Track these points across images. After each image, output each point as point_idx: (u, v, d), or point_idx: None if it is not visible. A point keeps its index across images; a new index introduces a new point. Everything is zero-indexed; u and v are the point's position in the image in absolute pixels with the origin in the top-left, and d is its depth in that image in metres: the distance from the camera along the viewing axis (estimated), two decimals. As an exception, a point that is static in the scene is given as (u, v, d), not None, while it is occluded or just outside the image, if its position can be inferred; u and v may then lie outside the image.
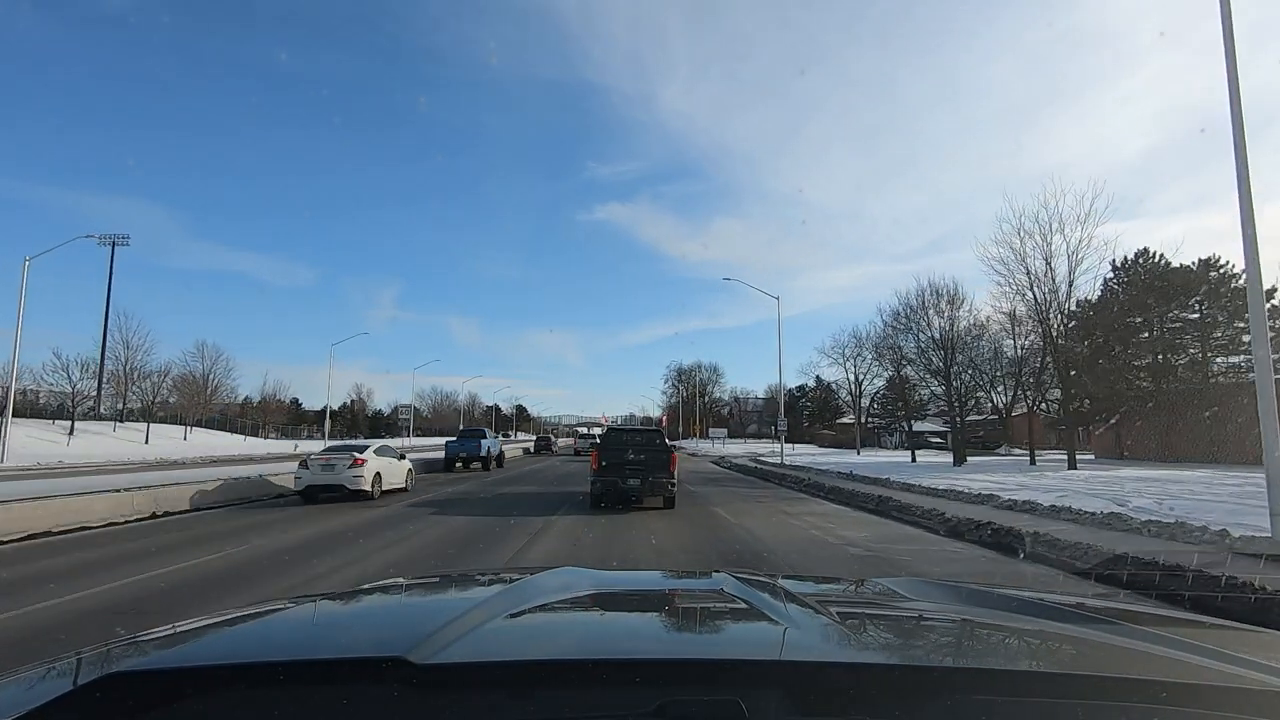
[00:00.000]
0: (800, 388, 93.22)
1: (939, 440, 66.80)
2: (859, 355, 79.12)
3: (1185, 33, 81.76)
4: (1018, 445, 59.59)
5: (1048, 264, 26.16)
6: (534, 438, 69.55)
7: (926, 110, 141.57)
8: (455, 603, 1.58)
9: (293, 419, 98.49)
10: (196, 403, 64.46)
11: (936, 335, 31.09)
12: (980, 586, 1.78)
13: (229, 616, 1.34)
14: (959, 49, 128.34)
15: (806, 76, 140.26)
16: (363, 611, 1.52)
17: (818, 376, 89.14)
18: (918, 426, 70.50)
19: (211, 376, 68.91)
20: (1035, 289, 26.76)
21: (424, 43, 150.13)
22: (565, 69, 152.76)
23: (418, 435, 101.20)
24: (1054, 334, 26.97)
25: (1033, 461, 32.22)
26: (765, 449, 61.80)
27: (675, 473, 14.89)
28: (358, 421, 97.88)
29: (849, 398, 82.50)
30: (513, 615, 1.22)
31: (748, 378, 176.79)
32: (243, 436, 60.08)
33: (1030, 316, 29.04)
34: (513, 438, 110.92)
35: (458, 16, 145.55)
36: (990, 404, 43.46)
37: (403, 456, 18.84)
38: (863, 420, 77.56)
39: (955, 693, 0.85)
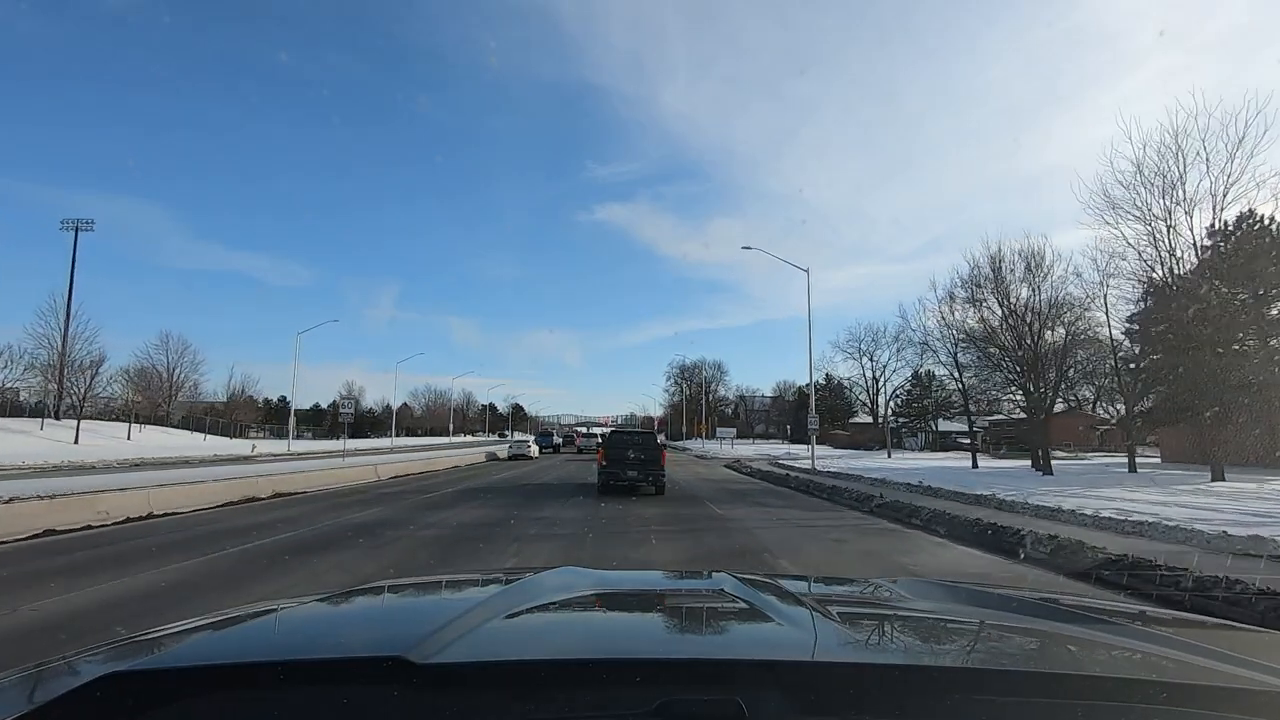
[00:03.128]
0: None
1: (967, 442, 59.73)
2: (876, 349, 72.72)
3: (1185, 33, 76.89)
4: (1058, 447, 52.77)
5: (1184, 210, 19.31)
6: (534, 436, 67.75)
7: (926, 111, 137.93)
8: (455, 603, 1.55)
9: (279, 417, 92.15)
10: (158, 399, 57.76)
11: (1019, 309, 24.07)
12: (980, 587, 1.71)
13: (229, 616, 1.31)
14: (959, 50, 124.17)
15: (806, 77, 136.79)
16: (363, 611, 1.48)
17: (827, 375, 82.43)
18: (942, 426, 63.46)
19: (177, 371, 62.35)
20: (1161, 243, 19.89)
21: (424, 44, 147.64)
22: (565, 70, 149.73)
23: (406, 435, 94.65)
24: (1184, 306, 20.08)
25: (1132, 468, 25.37)
26: (779, 450, 54.84)
27: (665, 467, 18.13)
28: (339, 420, 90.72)
29: (865, 396, 75.72)
30: (513, 615, 1.18)
31: (750, 378, 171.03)
32: (203, 435, 53.21)
33: (1141, 283, 22.22)
34: (509, 437, 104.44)
35: (457, 18, 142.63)
36: (1025, 400, 36.85)
37: (534, 443, 45.37)
38: (880, 419, 70.57)
39: (955, 693, 0.83)
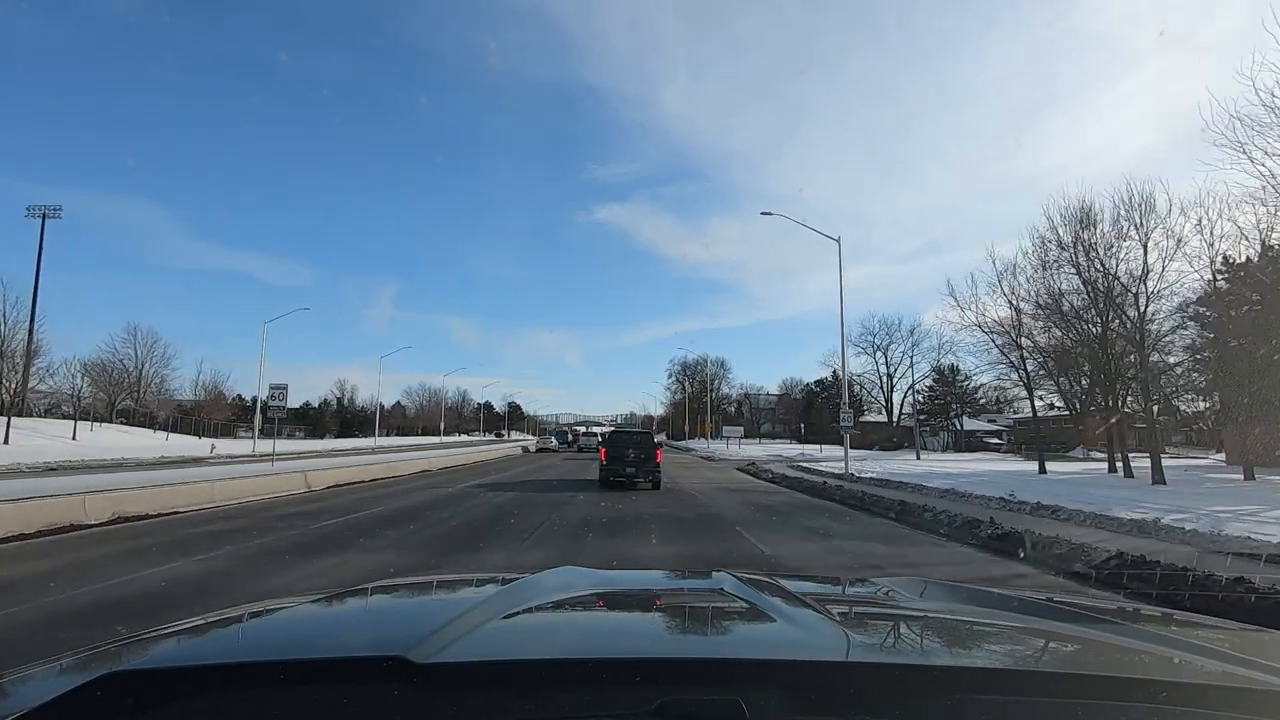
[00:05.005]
0: (819, 382, 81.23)
1: (996, 441, 54.44)
2: (890, 344, 67.53)
3: (1185, 33, 74.69)
4: (1095, 448, 47.56)
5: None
6: (537, 436, 70.77)
7: (925, 111, 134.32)
8: (455, 602, 1.51)
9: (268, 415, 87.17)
10: (120, 395, 52.80)
11: (1115, 272, 18.86)
12: (980, 587, 1.67)
13: (229, 616, 1.29)
14: (958, 50, 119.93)
15: (806, 78, 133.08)
16: (363, 611, 1.44)
17: (834, 371, 77.51)
18: (967, 424, 58.25)
19: (146, 366, 57.42)
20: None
21: (423, 44, 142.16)
22: (564, 71, 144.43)
23: (397, 434, 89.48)
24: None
25: (1250, 475, 20.30)
26: (791, 451, 49.73)
27: (660, 463, 18.36)
28: (325, 419, 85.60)
29: (879, 393, 70.51)
30: (513, 615, 1.15)
31: (752, 377, 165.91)
32: (165, 434, 48.05)
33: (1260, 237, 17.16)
34: (507, 438, 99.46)
35: (457, 18, 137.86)
36: (1065, 396, 32.15)
37: (554, 439, 57.11)
38: (896, 418, 65.45)
39: (955, 692, 0.81)
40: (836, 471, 24.15)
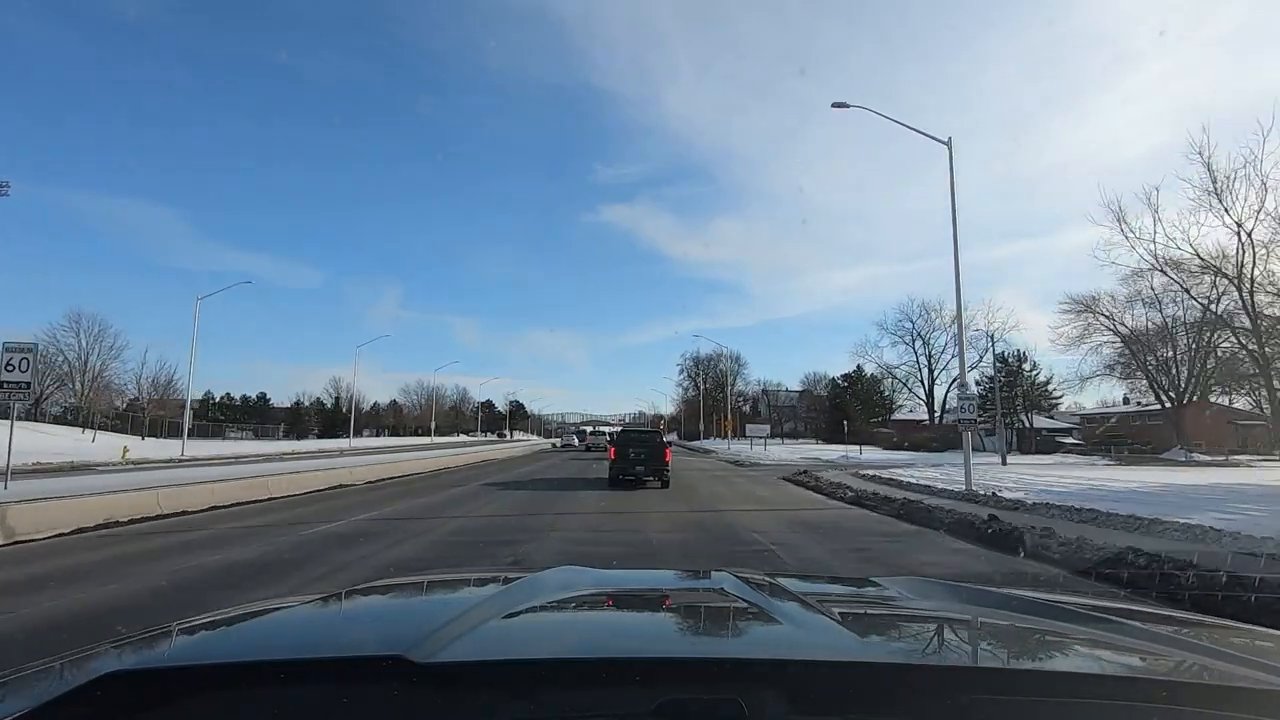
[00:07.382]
0: (846, 377, 72.83)
1: (1072, 441, 45.74)
2: (930, 332, 58.98)
3: (1186, 32, 70.88)
4: (1192, 448, 38.95)
5: None
6: (560, 437, 68.25)
7: (926, 111, 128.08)
8: (455, 602, 1.49)
9: (260, 414, 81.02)
10: (52, 388, 45.18)
11: None
12: (981, 587, 1.62)
13: (230, 615, 1.26)
14: (958, 51, 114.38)
15: (806, 77, 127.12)
16: (363, 611, 1.43)
17: (859, 365, 69.13)
18: (1035, 422, 49.63)
19: (92, 358, 49.84)
20: None
21: (426, 45, 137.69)
22: (567, 72, 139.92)
23: (390, 434, 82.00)
24: None
25: None
26: (828, 453, 41.30)
27: (669, 461, 18.01)
28: (304, 419, 77.90)
29: (921, 387, 61.91)
30: (513, 614, 1.14)
31: (764, 375, 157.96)
32: (93, 436, 40.14)
33: None
34: (509, 438, 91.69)
35: (459, 20, 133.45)
36: (1159, 391, 24.39)
37: (575, 437, 57.48)
38: (938, 415, 56.87)
39: (956, 692, 0.81)
40: (949, 488, 15.85)
